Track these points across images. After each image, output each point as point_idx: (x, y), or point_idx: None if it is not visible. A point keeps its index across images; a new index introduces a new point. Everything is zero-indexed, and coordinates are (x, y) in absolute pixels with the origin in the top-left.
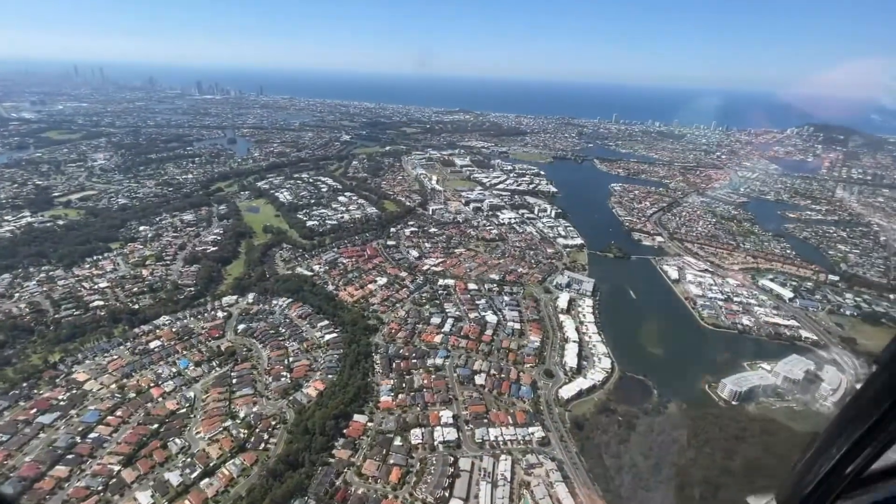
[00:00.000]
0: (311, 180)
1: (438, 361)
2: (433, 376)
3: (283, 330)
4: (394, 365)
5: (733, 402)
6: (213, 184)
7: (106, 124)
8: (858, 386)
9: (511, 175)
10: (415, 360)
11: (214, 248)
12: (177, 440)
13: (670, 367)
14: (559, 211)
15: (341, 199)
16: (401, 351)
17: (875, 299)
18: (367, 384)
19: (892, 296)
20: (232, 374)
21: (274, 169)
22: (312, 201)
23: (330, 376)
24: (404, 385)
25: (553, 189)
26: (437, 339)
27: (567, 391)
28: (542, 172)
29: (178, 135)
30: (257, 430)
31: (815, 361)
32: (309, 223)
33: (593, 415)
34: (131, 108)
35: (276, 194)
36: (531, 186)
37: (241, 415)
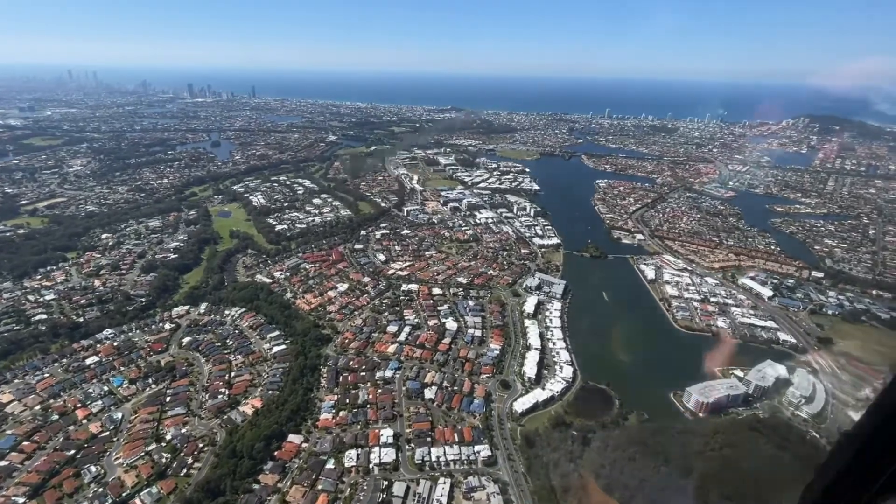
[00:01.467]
0: (288, 182)
1: (388, 374)
2: (380, 391)
3: (231, 342)
4: (340, 379)
5: (699, 414)
6: (187, 188)
7: (91, 129)
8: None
9: (495, 173)
10: (364, 373)
11: (175, 256)
12: (92, 467)
13: (637, 375)
14: (538, 209)
15: (316, 201)
16: (350, 363)
17: (858, 296)
18: (308, 400)
19: (875, 292)
20: (167, 391)
21: (253, 172)
22: (286, 204)
23: (271, 392)
24: (348, 401)
25: (536, 187)
26: (391, 349)
27: (522, 404)
28: (528, 170)
29: (161, 139)
30: (182, 453)
31: (788, 367)
32: (278, 227)
33: (546, 430)
34: (120, 112)
35: (250, 198)
36: (514, 184)
37: (168, 437)
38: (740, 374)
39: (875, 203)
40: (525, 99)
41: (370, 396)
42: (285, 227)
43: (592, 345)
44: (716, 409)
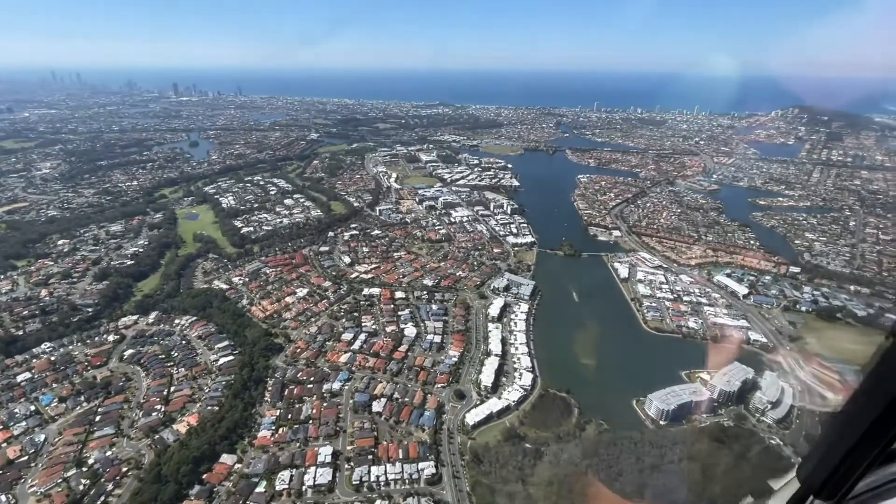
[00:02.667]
0: (262, 182)
1: (336, 386)
2: (325, 404)
3: (176, 353)
4: (286, 392)
5: (661, 422)
6: (157, 190)
7: (68, 131)
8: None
9: (475, 170)
10: (311, 386)
11: (132, 263)
12: (2, 497)
13: (601, 380)
14: (515, 207)
15: (288, 201)
16: (298, 375)
17: (834, 291)
18: (249, 416)
19: (852, 287)
20: (99, 409)
21: (228, 172)
22: (256, 205)
23: (210, 408)
24: (290, 416)
25: (516, 183)
26: (344, 358)
27: (475, 416)
28: (510, 166)
29: (139, 139)
30: (103, 479)
31: (755, 370)
32: (244, 230)
33: (498, 444)
34: (101, 112)
35: (220, 199)
36: (494, 181)
37: (91, 461)
38: (707, 376)
39: (858, 194)
40: (514, 93)
41: (314, 411)
42: (252, 229)
43: (557, 349)
44: (678, 417)
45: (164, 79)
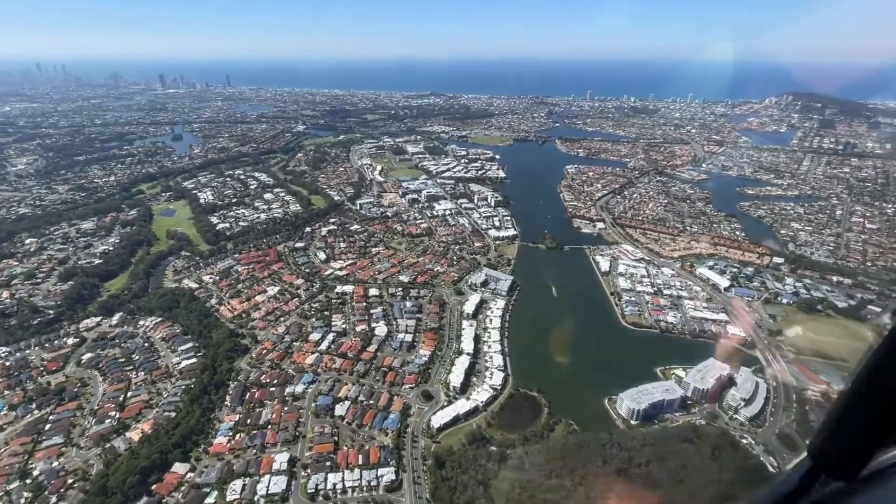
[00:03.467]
0: (243, 177)
1: (299, 389)
2: (286, 408)
3: (137, 357)
4: (247, 396)
5: (632, 421)
6: (135, 186)
7: (48, 125)
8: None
9: (462, 161)
10: (273, 389)
11: (100, 262)
12: None
13: (574, 378)
14: (499, 199)
15: (267, 196)
16: (262, 377)
17: (817, 283)
18: (207, 422)
19: (835, 278)
20: (50, 417)
21: (209, 166)
22: (234, 200)
23: (167, 414)
24: (249, 421)
25: (502, 175)
26: (310, 359)
27: (440, 418)
28: (498, 157)
29: (120, 133)
30: (46, 492)
31: (731, 366)
32: (219, 226)
33: (462, 447)
34: (85, 106)
35: (199, 194)
36: (480, 173)
37: (37, 472)
38: (682, 373)
39: (847, 182)
40: (507, 83)
41: (274, 416)
42: (227, 225)
43: (531, 346)
44: (650, 417)
45: (151, 70)
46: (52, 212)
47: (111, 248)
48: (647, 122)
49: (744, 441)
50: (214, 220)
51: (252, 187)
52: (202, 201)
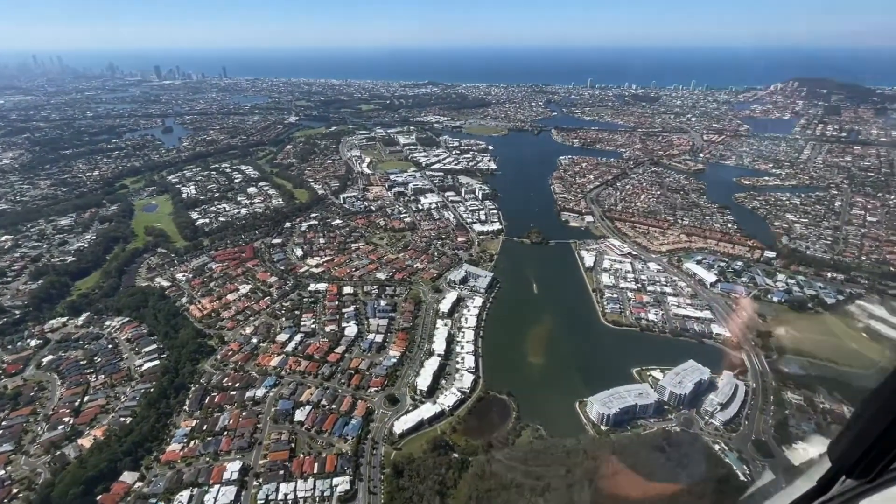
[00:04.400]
0: (229, 170)
1: (260, 393)
2: (244, 413)
3: (99, 359)
4: (207, 400)
5: (602, 427)
6: (120, 180)
7: (40, 118)
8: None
9: (454, 153)
10: (234, 392)
11: (73, 259)
12: None
13: (547, 381)
14: (487, 192)
15: (251, 189)
16: (224, 380)
17: (811, 279)
18: (160, 428)
19: (829, 274)
20: (2, 423)
21: (196, 159)
22: (217, 195)
23: (123, 419)
24: (206, 427)
25: (493, 166)
26: (275, 361)
27: (404, 423)
28: (491, 147)
29: (111, 126)
30: None
31: (711, 369)
32: (199, 221)
33: (424, 454)
34: (79, 98)
35: (182, 188)
36: (470, 164)
37: None
38: (659, 374)
39: (848, 171)
40: (507, 70)
41: (231, 421)
42: (207, 220)
43: (506, 346)
44: (621, 422)
45: (148, 61)
46: (32, 208)
47: (86, 246)
48: (646, 110)
49: (716, 447)
50: (195, 215)
51: (237, 181)
52: (185, 196)
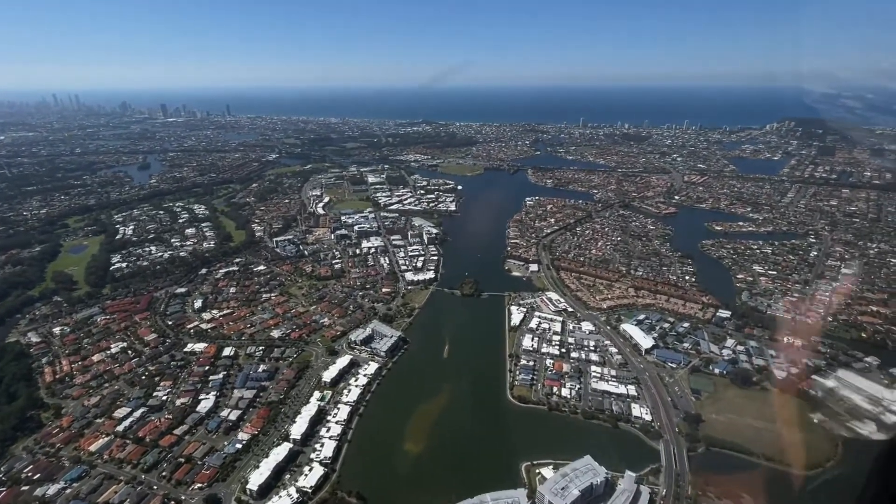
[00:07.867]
0: (179, 209)
1: (53, 490)
2: None
3: None
4: None
5: None
6: (66, 218)
7: (29, 154)
8: None
9: (418, 193)
10: (26, 488)
11: None
12: None
13: (415, 478)
14: (433, 235)
15: (189, 230)
16: (25, 470)
17: (764, 345)
18: None
19: (785, 339)
20: None
21: (153, 197)
22: (152, 236)
23: None
24: None
25: (452, 208)
26: (98, 444)
27: None
28: (460, 187)
29: (91, 162)
30: None
31: (612, 466)
32: (115, 265)
33: None
34: (78, 134)
35: (121, 228)
36: (431, 205)
37: None
38: (552, 471)
39: (832, 217)
40: (503, 110)
41: None
42: (125, 264)
43: (384, 429)
44: None
45: (161, 99)
46: None
47: None
48: (633, 149)
49: None
50: (115, 258)
51: (181, 220)
52: (118, 237)
